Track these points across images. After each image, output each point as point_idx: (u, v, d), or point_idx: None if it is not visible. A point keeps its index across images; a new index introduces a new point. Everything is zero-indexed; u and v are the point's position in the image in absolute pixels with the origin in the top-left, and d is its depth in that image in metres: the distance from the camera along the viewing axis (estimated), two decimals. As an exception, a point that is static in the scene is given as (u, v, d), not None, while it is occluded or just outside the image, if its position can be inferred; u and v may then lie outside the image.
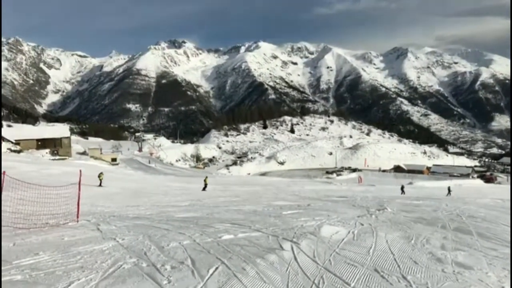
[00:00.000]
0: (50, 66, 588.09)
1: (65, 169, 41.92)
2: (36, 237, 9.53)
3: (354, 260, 7.44)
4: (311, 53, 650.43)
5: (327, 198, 23.09)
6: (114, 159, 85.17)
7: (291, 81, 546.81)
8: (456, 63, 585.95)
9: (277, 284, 6.25)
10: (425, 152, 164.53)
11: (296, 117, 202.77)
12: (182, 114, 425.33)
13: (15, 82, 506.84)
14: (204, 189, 31.87)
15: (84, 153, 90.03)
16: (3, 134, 70.30)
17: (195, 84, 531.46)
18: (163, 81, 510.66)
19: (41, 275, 6.64)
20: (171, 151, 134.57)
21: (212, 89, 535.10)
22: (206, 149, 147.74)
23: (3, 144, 60.50)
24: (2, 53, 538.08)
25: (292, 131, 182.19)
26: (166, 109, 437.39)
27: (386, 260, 7.49)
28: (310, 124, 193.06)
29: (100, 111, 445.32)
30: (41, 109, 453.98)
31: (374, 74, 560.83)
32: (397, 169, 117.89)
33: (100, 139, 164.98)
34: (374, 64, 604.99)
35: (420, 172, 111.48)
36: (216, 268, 6.85)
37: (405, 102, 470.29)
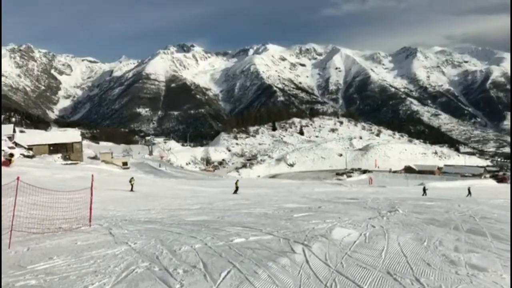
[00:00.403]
0: (61, 72, 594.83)
1: (77, 174, 42.36)
2: (50, 242, 9.65)
3: (366, 263, 7.40)
4: (319, 55, 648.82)
5: (337, 200, 22.99)
6: (125, 163, 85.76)
7: (300, 83, 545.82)
8: (466, 62, 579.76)
9: (290, 287, 6.25)
10: (436, 152, 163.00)
11: (305, 118, 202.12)
12: (192, 117, 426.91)
13: (27, 89, 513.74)
14: (235, 192, 31.90)
15: (95, 158, 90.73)
16: (16, 140, 71.32)
17: (204, 88, 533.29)
18: (173, 85, 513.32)
19: (56, 279, 6.73)
20: (181, 154, 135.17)
21: (221, 92, 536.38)
22: (216, 152, 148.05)
23: (17, 149, 61.31)
24: (15, 60, 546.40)
25: (301, 133, 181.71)
26: (175, 113, 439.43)
27: (398, 263, 7.44)
28: (320, 126, 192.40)
29: (110, 115, 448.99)
30: (52, 115, 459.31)
31: (383, 74, 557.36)
32: (408, 169, 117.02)
33: (111, 144, 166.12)
34: (383, 64, 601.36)
35: (431, 172, 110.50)
36: (228, 272, 6.87)
37: (415, 102, 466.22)
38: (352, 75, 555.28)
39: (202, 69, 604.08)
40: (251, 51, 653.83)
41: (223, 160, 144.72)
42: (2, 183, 10.43)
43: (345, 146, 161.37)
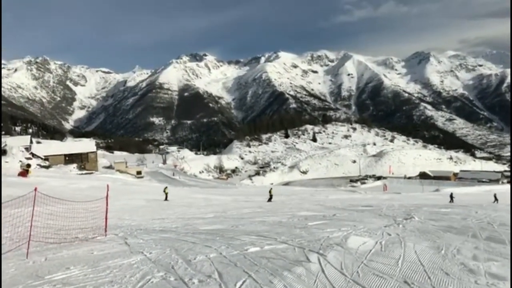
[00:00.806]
0: (76, 83, 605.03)
1: (92, 183, 42.83)
2: (67, 252, 9.76)
3: (383, 272, 7.31)
4: (331, 61, 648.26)
5: (352, 207, 22.80)
6: (139, 172, 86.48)
7: (312, 90, 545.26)
8: (480, 65, 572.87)
9: (305, 297, 6.21)
10: (451, 158, 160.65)
11: (318, 125, 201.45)
12: (205, 126, 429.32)
13: (44, 100, 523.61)
14: (269, 200, 31.88)
15: (110, 167, 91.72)
16: (33, 151, 72.55)
17: (216, 96, 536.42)
18: (185, 94, 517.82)
19: (73, 290, 6.79)
20: (195, 162, 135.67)
21: (234, 100, 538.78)
22: (229, 160, 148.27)
23: (33, 160, 62.35)
24: (31, 72, 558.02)
25: (314, 139, 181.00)
26: (188, 122, 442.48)
27: (416, 272, 7.33)
28: (333, 132, 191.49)
29: (124, 125, 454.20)
30: (68, 125, 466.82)
31: (396, 79, 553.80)
32: (423, 175, 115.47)
33: (125, 153, 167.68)
34: (396, 69, 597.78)
35: (447, 178, 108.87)
36: (244, 282, 6.85)
37: (429, 107, 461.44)
38: (365, 81, 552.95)
39: (215, 78, 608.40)
40: (262, 59, 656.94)
41: (236, 168, 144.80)
42: (20, 194, 10.62)
43: (358, 152, 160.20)
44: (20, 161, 58.14)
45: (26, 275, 7.65)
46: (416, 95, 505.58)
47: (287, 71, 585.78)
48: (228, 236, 11.62)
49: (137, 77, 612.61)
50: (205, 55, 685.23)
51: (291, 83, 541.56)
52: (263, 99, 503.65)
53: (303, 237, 10.91)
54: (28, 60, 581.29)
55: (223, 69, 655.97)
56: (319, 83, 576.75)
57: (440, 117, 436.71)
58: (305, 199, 34.97)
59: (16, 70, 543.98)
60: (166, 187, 34.98)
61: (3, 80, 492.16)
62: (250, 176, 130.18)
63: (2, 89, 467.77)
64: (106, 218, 12.64)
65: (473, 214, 16.22)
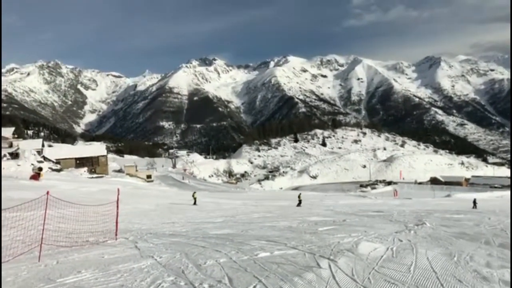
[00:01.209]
0: (87, 87, 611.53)
1: (102, 187, 43.12)
2: (78, 255, 9.82)
3: (394, 278, 7.23)
4: (341, 65, 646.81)
5: (362, 212, 22.63)
6: (149, 176, 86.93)
7: (321, 94, 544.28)
8: (492, 70, 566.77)
9: (316, 303, 6.16)
10: (462, 163, 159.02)
11: (327, 130, 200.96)
12: (214, 130, 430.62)
13: (55, 104, 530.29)
14: (298, 205, 31.93)
15: (120, 171, 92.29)
16: (45, 154, 73.35)
17: (226, 100, 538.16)
18: (195, 98, 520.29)
19: (84, 293, 6.82)
20: (204, 166, 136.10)
21: (243, 105, 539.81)
22: (238, 164, 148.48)
23: (45, 163, 62.99)
24: (43, 77, 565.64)
25: (323, 144, 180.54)
26: (198, 126, 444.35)
27: (428, 279, 7.24)
28: (342, 137, 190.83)
29: (135, 129, 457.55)
30: (79, 129, 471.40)
31: (406, 84, 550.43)
32: (434, 181, 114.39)
33: (135, 157, 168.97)
34: (406, 74, 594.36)
35: (459, 183, 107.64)
36: (254, 287, 6.82)
37: (440, 112, 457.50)
38: (375, 86, 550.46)
39: (224, 82, 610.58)
40: (272, 64, 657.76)
41: (246, 172, 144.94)
42: (33, 197, 10.72)
43: (368, 157, 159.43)
44: (32, 164, 58.81)
45: (38, 278, 7.71)
46: (426, 99, 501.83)
47: (296, 76, 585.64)
48: (238, 240, 11.60)
49: (147, 81, 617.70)
50: (215, 59, 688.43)
51: (300, 87, 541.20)
52: (272, 104, 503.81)
53: (313, 243, 10.85)
54: (40, 64, 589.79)
55: (233, 74, 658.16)
56: (329, 88, 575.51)
57: (451, 122, 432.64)
58: (315, 204, 34.81)
59: (28, 74, 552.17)
60: (195, 192, 36.68)
61: (15, 84, 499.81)
62: (259, 181, 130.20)
63: (15, 93, 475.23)
64: (116, 222, 12.70)
65: (486, 221, 16.01)
